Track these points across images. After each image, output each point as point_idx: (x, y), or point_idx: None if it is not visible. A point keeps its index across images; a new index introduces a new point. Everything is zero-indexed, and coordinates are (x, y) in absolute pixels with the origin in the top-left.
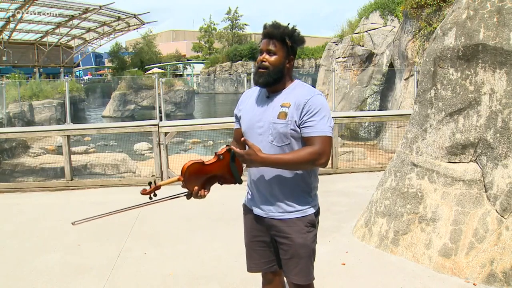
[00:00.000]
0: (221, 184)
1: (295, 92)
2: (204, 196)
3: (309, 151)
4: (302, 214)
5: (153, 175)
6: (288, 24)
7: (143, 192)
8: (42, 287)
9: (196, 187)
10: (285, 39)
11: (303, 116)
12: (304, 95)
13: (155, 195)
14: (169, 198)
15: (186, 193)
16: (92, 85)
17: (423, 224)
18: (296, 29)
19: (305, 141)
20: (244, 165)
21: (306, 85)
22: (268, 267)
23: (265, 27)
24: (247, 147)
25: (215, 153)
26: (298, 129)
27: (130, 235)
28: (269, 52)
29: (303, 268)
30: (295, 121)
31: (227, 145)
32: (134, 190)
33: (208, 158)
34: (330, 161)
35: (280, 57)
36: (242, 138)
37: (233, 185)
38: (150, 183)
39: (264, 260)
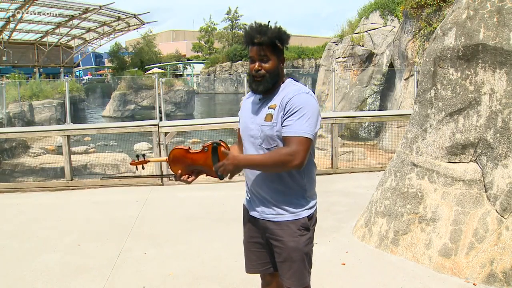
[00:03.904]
0: (206, 176)
1: (282, 93)
2: (188, 181)
3: (281, 152)
4: (295, 217)
5: (153, 175)
6: (269, 22)
7: (132, 163)
8: (42, 287)
9: (179, 171)
10: (275, 43)
11: (284, 116)
12: (288, 95)
13: (143, 168)
14: (160, 176)
15: (174, 175)
16: (92, 85)
17: (423, 224)
18: (281, 28)
19: (284, 142)
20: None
21: (295, 84)
22: (265, 268)
23: (251, 34)
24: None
25: (202, 145)
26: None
27: (130, 235)
28: (263, 59)
29: (296, 272)
30: (281, 122)
31: (220, 140)
32: (134, 190)
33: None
34: (330, 161)
35: (274, 61)
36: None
37: (232, 185)
38: (138, 156)
39: (261, 262)
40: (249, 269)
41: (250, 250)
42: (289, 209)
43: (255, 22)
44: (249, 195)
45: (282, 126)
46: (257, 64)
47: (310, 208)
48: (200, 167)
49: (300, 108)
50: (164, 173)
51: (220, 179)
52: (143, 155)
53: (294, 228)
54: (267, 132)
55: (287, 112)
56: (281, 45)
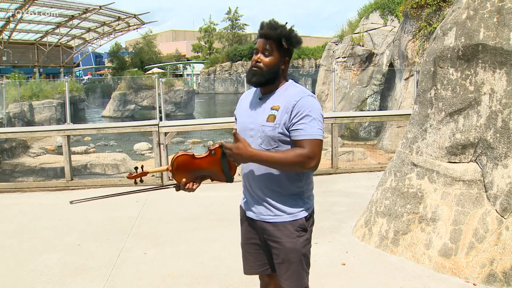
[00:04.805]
0: (212, 181)
1: (285, 94)
2: (193, 189)
3: (298, 153)
4: (292, 218)
5: (152, 176)
6: (286, 23)
7: (130, 176)
8: (42, 287)
9: (184, 179)
10: (281, 41)
11: (292, 119)
12: (293, 97)
13: (141, 181)
14: (159, 187)
15: (175, 185)
16: (92, 85)
17: (423, 224)
18: (293, 30)
19: (295, 144)
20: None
21: (297, 86)
22: (263, 270)
23: (262, 26)
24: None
25: (208, 148)
26: (287, 132)
27: (130, 235)
28: (265, 53)
29: (294, 273)
30: (284, 124)
31: (224, 141)
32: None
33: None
34: (330, 161)
35: (275, 58)
36: (233, 131)
37: (231, 185)
38: (136, 168)
39: (259, 263)
40: (247, 270)
41: (247, 251)
42: (287, 210)
43: (273, 19)
44: (246, 196)
45: (292, 130)
46: (258, 55)
47: (308, 209)
48: (207, 171)
49: (310, 111)
50: (164, 173)
51: (230, 182)
52: (142, 167)
53: (291, 229)
54: (268, 133)
55: (296, 115)
56: (286, 45)
